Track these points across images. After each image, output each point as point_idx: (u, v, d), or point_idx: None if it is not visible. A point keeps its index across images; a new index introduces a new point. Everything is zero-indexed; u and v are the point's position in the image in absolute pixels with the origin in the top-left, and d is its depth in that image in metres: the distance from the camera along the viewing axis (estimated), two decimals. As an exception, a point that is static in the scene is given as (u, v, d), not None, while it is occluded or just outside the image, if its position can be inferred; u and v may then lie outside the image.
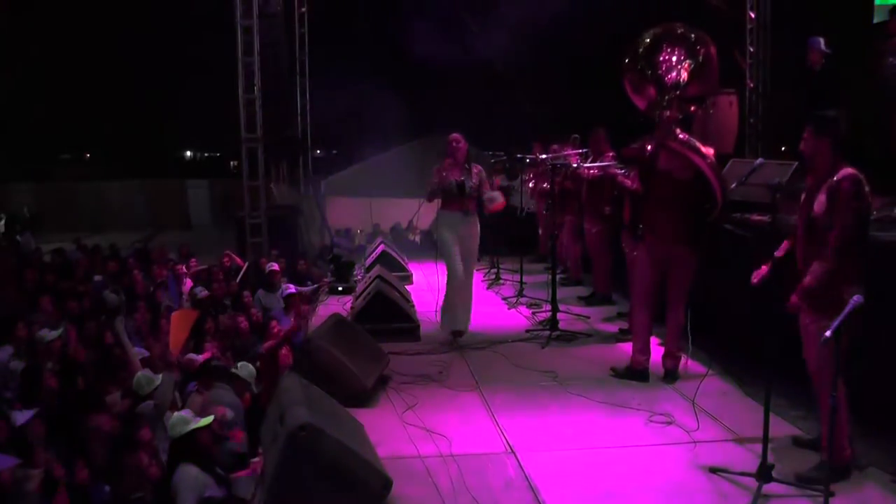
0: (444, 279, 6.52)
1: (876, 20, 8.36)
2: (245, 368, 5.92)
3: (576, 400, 5.11)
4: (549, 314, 6.79)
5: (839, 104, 7.39)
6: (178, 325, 6.98)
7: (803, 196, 3.90)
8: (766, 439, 3.73)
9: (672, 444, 4.38)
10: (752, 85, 10.38)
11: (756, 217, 5.69)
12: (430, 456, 4.27)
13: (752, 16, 10.29)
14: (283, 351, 6.40)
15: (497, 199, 6.51)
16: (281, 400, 3.97)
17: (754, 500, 3.63)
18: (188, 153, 31.84)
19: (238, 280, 8.92)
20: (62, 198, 20.65)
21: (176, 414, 4.64)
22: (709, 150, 5.26)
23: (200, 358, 6.16)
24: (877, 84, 7.27)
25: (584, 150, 8.06)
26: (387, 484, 3.65)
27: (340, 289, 9.11)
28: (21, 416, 4.67)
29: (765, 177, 4.43)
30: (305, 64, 14.64)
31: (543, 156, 8.47)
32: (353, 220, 16.19)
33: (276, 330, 6.68)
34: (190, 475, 4.19)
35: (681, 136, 5.25)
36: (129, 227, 18.10)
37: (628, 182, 5.75)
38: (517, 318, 7.47)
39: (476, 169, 6.46)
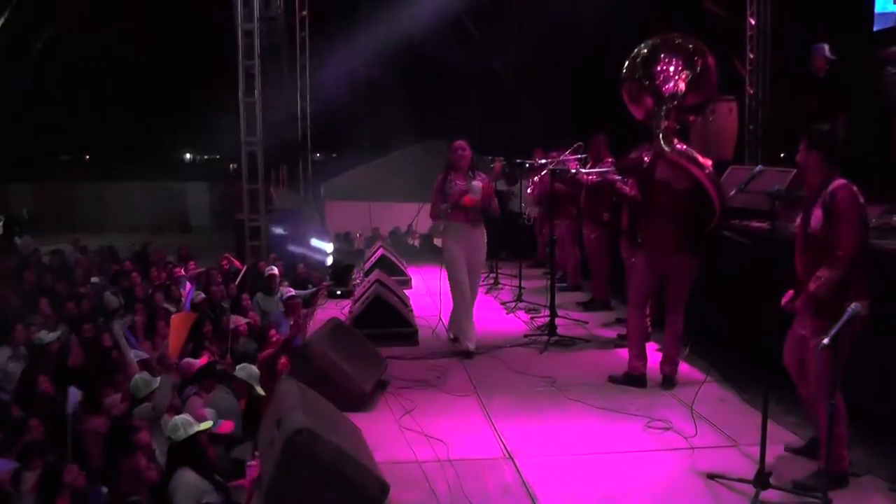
0: (444, 285, 6.42)
1: (876, 28, 8.37)
2: (245, 370, 5.88)
3: (574, 405, 5.09)
4: (548, 319, 6.79)
5: (847, 109, 7.43)
6: (177, 328, 6.98)
7: (803, 211, 3.90)
8: (763, 446, 3.71)
9: (670, 450, 4.37)
10: (751, 91, 10.41)
11: (755, 224, 5.69)
12: (427, 461, 4.25)
13: (752, 22, 10.34)
14: (282, 360, 6.33)
15: (476, 191, 6.13)
16: (278, 404, 3.95)
17: (752, 507, 3.62)
18: (188, 155, 31.80)
19: (237, 283, 8.92)
20: (61, 199, 20.63)
21: (178, 417, 4.63)
22: (707, 161, 5.27)
23: (198, 362, 6.15)
24: (876, 92, 7.28)
25: (584, 156, 8.06)
26: (384, 489, 3.63)
27: (339, 293, 9.09)
28: (2, 465, 4.58)
29: (764, 184, 4.42)
30: (306, 67, 14.67)
31: (543, 161, 8.48)
32: (352, 224, 16.21)
33: (274, 338, 6.66)
34: (188, 481, 4.18)
35: (678, 146, 5.26)
36: (129, 230, 18.10)
37: (627, 189, 5.74)
38: (515, 324, 7.46)
39: (480, 177, 6.36)
